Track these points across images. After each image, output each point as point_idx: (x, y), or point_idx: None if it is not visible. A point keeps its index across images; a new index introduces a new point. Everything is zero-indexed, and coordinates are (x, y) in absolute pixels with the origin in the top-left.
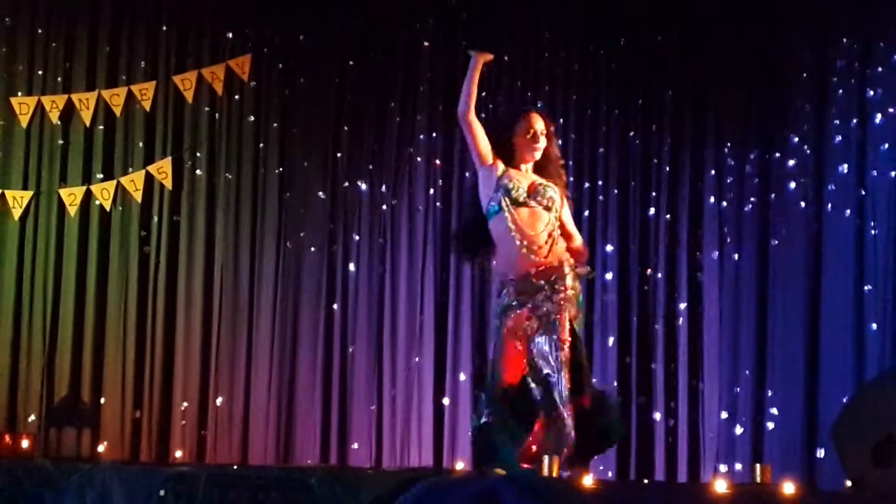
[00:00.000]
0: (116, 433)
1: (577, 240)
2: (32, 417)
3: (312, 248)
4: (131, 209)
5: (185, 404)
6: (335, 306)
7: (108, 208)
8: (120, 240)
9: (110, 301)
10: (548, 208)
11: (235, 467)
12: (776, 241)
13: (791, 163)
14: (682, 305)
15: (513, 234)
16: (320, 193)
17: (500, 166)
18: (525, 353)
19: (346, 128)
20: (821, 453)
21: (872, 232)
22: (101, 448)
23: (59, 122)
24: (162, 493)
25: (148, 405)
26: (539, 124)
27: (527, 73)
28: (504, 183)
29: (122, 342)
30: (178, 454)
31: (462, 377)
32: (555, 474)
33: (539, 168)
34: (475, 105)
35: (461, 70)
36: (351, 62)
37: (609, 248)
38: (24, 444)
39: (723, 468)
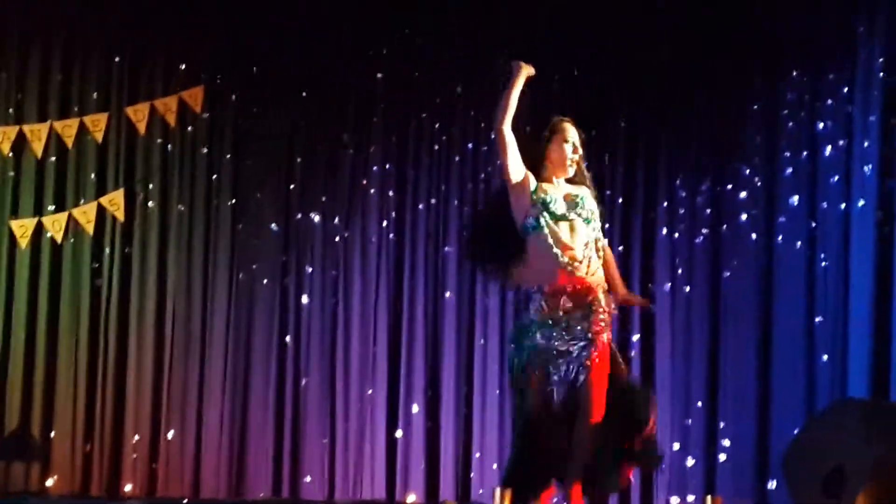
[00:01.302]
0: (67, 467)
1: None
2: None
3: (265, 280)
4: (83, 241)
5: (137, 437)
6: (288, 339)
7: (59, 240)
8: (71, 272)
9: (61, 333)
10: (587, 220)
11: (186, 501)
12: (728, 273)
13: (742, 194)
14: (635, 337)
15: (554, 250)
16: (273, 225)
17: (533, 181)
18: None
19: (299, 159)
20: (772, 485)
21: (823, 264)
22: (50, 482)
23: (10, 154)
24: None
25: (99, 438)
26: (574, 135)
27: (480, 104)
28: (540, 197)
29: (73, 375)
30: (129, 488)
31: (415, 409)
32: None
33: (569, 180)
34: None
35: (415, 101)
36: (304, 93)
37: None
38: None
39: (675, 500)
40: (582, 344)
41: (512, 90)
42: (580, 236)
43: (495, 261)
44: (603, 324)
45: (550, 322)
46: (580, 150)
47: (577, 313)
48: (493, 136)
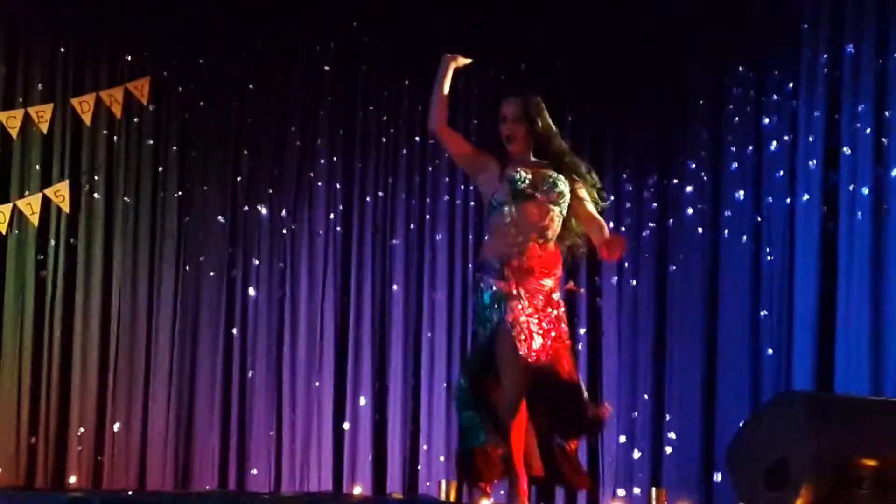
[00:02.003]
0: (11, 459)
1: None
2: None
3: (212, 273)
4: (28, 233)
5: (82, 430)
6: (234, 331)
7: (3, 232)
8: (16, 263)
9: (6, 325)
10: (555, 203)
11: (130, 493)
12: (674, 267)
13: (689, 189)
14: (581, 330)
15: (511, 229)
16: (220, 217)
17: (495, 162)
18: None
19: (245, 152)
20: (717, 477)
21: (768, 258)
22: None
23: None
24: None
25: (44, 431)
26: (508, 109)
27: (427, 97)
28: (509, 175)
29: (18, 367)
30: (73, 480)
31: (362, 401)
32: (452, 498)
33: (546, 157)
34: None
35: (361, 93)
36: (251, 86)
37: None
38: None
39: (621, 492)
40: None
41: (440, 83)
42: (538, 216)
43: None
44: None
45: (505, 297)
46: (505, 126)
47: (530, 289)
48: (435, 138)
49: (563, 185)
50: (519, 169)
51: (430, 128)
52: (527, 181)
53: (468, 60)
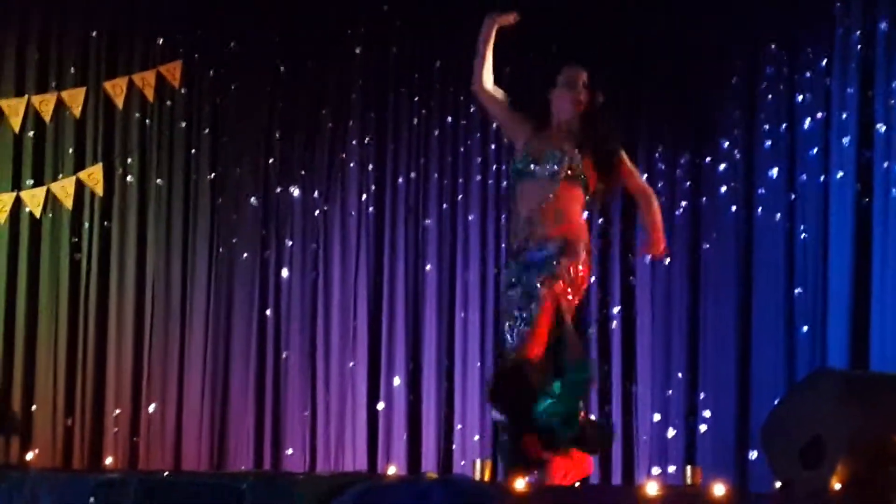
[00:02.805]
0: (48, 441)
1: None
2: None
3: (245, 254)
4: (62, 216)
5: (118, 411)
6: (268, 312)
7: (38, 215)
8: (50, 246)
9: (41, 308)
10: (550, 175)
11: (166, 473)
12: (707, 245)
13: (722, 167)
14: (615, 309)
15: (518, 205)
16: (252, 199)
17: (525, 132)
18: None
19: (277, 134)
20: (753, 455)
21: (802, 236)
22: (30, 455)
23: None
24: (92, 500)
25: (80, 412)
26: (576, 75)
27: (458, 78)
28: (523, 150)
29: (54, 349)
30: (110, 461)
31: (396, 381)
32: (486, 478)
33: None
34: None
35: (392, 74)
36: (282, 68)
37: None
38: None
39: (656, 471)
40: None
41: (483, 44)
42: (535, 193)
43: None
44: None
45: (513, 264)
46: (576, 91)
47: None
48: (477, 98)
49: (557, 163)
50: (528, 144)
51: (472, 86)
52: (527, 159)
53: (511, 18)
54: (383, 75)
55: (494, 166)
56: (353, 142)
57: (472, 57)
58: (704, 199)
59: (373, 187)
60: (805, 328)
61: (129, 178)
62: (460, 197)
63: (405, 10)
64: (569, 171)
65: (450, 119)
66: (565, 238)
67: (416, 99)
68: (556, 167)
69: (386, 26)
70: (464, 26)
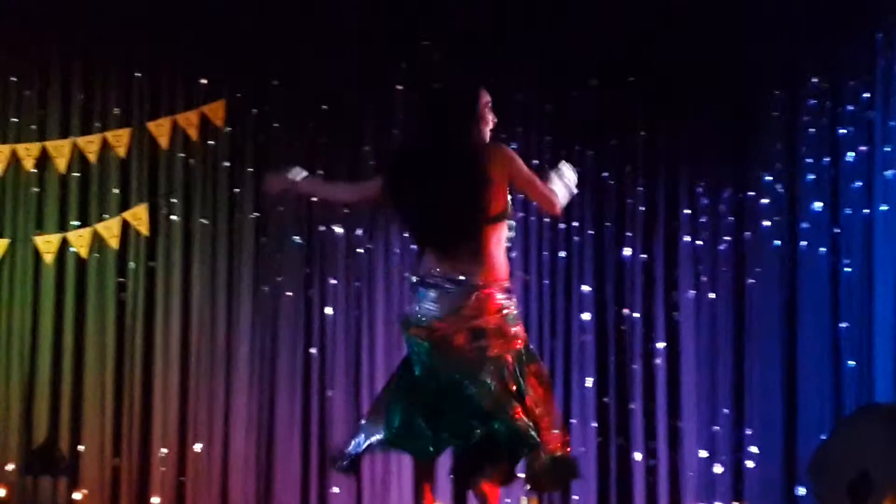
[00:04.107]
0: (95, 481)
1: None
2: (11, 466)
3: (289, 293)
4: (107, 256)
5: (165, 451)
6: (313, 350)
7: (84, 255)
8: (96, 286)
9: (88, 348)
10: None
11: None
12: (752, 280)
13: (765, 201)
14: (660, 345)
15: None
16: (296, 237)
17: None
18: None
19: (320, 171)
20: (800, 491)
21: (847, 269)
22: (78, 496)
23: (34, 170)
24: None
25: (127, 452)
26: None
27: (500, 115)
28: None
29: (100, 389)
30: (157, 501)
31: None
32: None
33: None
34: None
35: None
36: (324, 106)
37: (585, 288)
38: (2, 492)
39: None
40: None
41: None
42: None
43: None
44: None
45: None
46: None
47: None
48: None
49: None
50: None
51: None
52: None
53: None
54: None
55: (535, 202)
56: None
57: (510, 93)
58: (748, 233)
59: None
60: (851, 362)
61: (173, 217)
62: None
63: (445, 46)
64: None
65: None
66: None
67: None
68: None
69: (426, 61)
70: (507, 62)
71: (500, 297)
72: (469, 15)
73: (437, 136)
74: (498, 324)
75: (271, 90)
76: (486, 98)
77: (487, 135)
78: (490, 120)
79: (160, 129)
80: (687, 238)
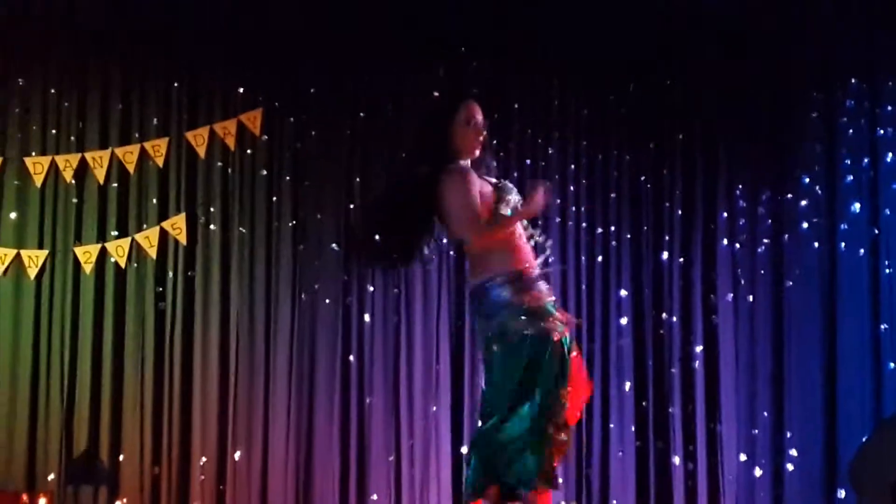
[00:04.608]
0: (135, 490)
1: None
2: (52, 476)
3: (327, 300)
4: (146, 265)
5: (204, 459)
6: (351, 358)
7: (123, 265)
8: (136, 296)
9: (127, 357)
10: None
11: None
12: (790, 282)
13: (803, 203)
14: (698, 348)
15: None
16: (334, 245)
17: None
18: None
19: (358, 179)
20: (841, 494)
21: (887, 270)
22: None
23: (72, 181)
24: None
25: (167, 461)
26: (480, 114)
27: (536, 120)
28: (503, 184)
29: (140, 398)
30: None
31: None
32: None
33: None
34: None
35: None
36: (362, 114)
37: (623, 292)
38: (43, 502)
39: None
40: None
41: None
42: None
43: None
44: None
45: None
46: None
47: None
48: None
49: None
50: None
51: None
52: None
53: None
54: None
55: (573, 207)
56: None
57: (549, 99)
58: (786, 235)
59: None
60: (892, 364)
61: (211, 226)
62: (540, 238)
63: (482, 53)
64: None
65: (528, 161)
66: None
67: (495, 141)
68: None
69: (463, 68)
70: (542, 67)
71: None
72: (505, 22)
73: (413, 144)
74: None
75: (309, 98)
76: (471, 111)
77: (474, 146)
78: (476, 133)
79: (198, 139)
80: (725, 241)
